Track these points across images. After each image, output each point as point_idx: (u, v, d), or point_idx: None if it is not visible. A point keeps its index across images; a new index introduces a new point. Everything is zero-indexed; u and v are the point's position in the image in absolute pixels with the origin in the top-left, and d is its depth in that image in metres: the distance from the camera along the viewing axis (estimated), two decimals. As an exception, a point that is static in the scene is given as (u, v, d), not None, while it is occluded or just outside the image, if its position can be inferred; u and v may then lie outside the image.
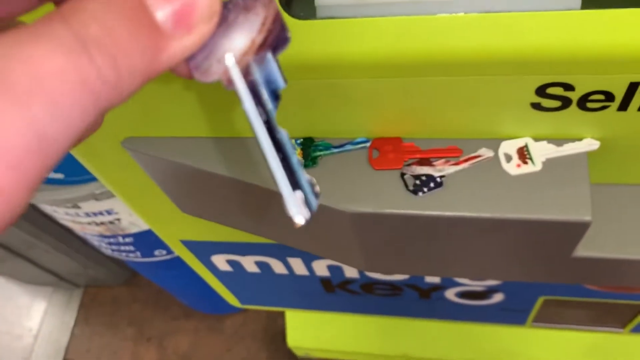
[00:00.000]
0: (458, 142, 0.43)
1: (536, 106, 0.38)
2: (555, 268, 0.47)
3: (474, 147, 0.42)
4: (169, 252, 1.14)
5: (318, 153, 0.44)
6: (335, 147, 0.44)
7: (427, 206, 0.40)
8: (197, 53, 0.16)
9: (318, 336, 1.14)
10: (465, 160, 0.42)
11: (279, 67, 0.18)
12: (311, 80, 0.39)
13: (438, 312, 0.84)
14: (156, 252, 1.11)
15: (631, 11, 0.32)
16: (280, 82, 0.19)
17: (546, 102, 0.38)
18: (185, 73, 0.18)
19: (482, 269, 0.49)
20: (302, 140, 0.45)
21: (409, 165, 0.42)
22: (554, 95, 0.37)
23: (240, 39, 0.17)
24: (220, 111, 0.43)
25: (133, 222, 1.02)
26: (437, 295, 0.76)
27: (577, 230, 0.40)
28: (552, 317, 0.81)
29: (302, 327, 1.15)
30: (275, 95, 0.19)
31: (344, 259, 0.51)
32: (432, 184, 0.41)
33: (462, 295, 0.75)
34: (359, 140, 0.44)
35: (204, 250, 0.71)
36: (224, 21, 0.17)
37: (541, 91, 0.37)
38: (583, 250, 0.44)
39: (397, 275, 0.70)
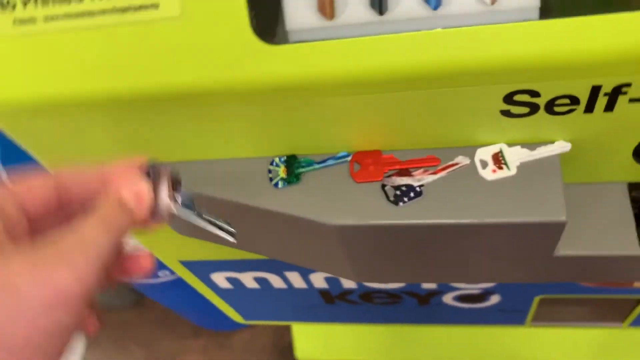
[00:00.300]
0: (436, 152, 0.44)
1: (506, 113, 0.40)
2: (540, 268, 0.48)
3: (451, 155, 0.44)
4: (173, 272, 1.15)
5: (301, 169, 0.45)
6: (318, 163, 0.46)
7: (407, 216, 0.42)
8: (151, 212, 0.32)
9: (326, 347, 1.15)
10: (443, 169, 0.43)
11: (185, 189, 0.35)
12: (289, 102, 0.40)
13: (439, 317, 0.85)
14: (160, 274, 1.13)
15: (586, 19, 0.34)
16: (190, 195, 0.36)
17: (515, 109, 0.39)
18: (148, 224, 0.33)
19: (469, 273, 0.50)
20: (285, 158, 0.46)
21: (389, 176, 0.44)
22: (522, 102, 0.38)
23: (165, 192, 0.33)
24: (201, 135, 0.45)
25: (135, 245, 1.03)
26: (435, 301, 0.77)
27: (554, 230, 0.41)
28: (550, 316, 0.82)
29: (310, 339, 1.16)
30: (193, 202, 0.36)
31: (335, 271, 0.52)
32: (412, 194, 0.42)
33: (460, 299, 0.75)
34: (340, 155, 0.46)
35: (203, 269, 0.72)
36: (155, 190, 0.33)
37: (509, 99, 0.38)
38: (564, 249, 0.45)
39: (394, 283, 0.71)
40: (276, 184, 0.45)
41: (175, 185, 0.34)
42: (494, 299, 0.74)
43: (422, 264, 0.49)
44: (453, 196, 0.42)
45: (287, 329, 1.56)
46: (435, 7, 0.35)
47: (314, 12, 0.36)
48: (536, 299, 0.75)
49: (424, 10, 0.35)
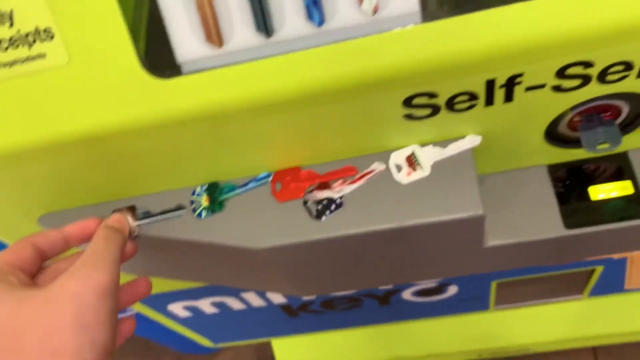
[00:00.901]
0: (353, 161, 0.44)
1: (409, 117, 0.40)
2: (476, 260, 0.49)
3: (368, 162, 0.44)
4: (141, 304, 1.13)
5: (224, 196, 0.45)
6: (240, 187, 0.45)
7: (330, 229, 0.42)
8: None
9: (308, 357, 1.14)
10: (361, 177, 0.43)
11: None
12: (197, 131, 0.40)
13: (404, 314, 0.86)
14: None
15: (466, 17, 0.34)
16: (144, 210, 0.46)
17: (417, 112, 0.39)
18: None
19: (408, 273, 0.51)
20: (207, 186, 0.46)
21: (310, 192, 0.44)
22: (422, 105, 0.39)
23: (130, 217, 0.44)
24: (114, 175, 0.44)
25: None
26: (395, 299, 0.77)
27: (474, 224, 0.41)
28: (512, 298, 0.83)
29: (291, 350, 1.15)
30: (149, 211, 0.47)
31: (279, 289, 0.52)
32: (333, 206, 0.43)
33: (419, 293, 0.76)
34: (261, 176, 0.46)
35: (158, 302, 0.72)
36: None
37: (408, 103, 0.38)
38: (493, 239, 0.46)
39: (350, 289, 0.71)
40: (199, 214, 0.45)
41: (132, 211, 0.45)
42: (452, 289, 0.75)
43: (359, 271, 0.49)
44: (372, 204, 0.42)
45: (269, 344, 1.56)
46: (320, 24, 0.35)
47: (202, 41, 0.36)
48: (493, 284, 0.76)
49: (309, 28, 0.35)
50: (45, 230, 0.41)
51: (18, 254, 0.38)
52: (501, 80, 0.37)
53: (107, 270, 0.36)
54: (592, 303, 0.88)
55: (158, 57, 0.37)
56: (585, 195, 0.47)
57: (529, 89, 0.38)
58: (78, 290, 0.34)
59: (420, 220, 0.41)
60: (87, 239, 0.41)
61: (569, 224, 0.45)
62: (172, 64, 0.37)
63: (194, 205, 0.45)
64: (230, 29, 0.36)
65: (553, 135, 0.45)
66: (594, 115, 0.44)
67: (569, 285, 0.80)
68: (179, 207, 0.46)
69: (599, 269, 0.74)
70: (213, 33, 0.36)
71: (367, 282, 0.53)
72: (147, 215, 0.46)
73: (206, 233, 0.44)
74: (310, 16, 0.35)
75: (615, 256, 0.70)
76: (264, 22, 0.35)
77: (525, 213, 0.47)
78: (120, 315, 0.39)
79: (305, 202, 0.44)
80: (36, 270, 0.39)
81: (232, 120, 0.39)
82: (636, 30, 0.34)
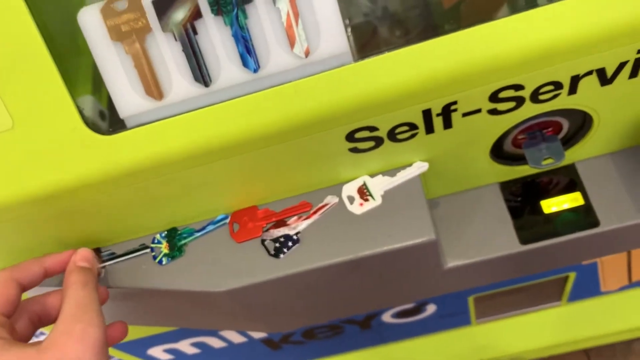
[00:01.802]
0: (307, 196, 0.45)
1: (355, 150, 0.41)
2: (438, 282, 0.49)
3: (322, 196, 0.45)
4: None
5: (183, 241, 0.46)
6: (198, 231, 0.46)
7: (288, 266, 0.42)
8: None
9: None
10: (315, 212, 0.44)
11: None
12: (148, 181, 0.40)
13: (388, 336, 0.86)
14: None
15: (396, 53, 0.35)
16: (109, 251, 0.47)
17: (361, 145, 0.40)
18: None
19: (374, 300, 0.51)
20: (166, 232, 0.46)
21: (267, 230, 0.44)
22: (365, 138, 0.40)
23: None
24: (86, 227, 0.45)
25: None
26: (376, 322, 0.78)
27: (428, 249, 0.42)
28: (493, 311, 0.84)
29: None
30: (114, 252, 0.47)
31: (247, 328, 0.53)
32: (290, 243, 0.43)
33: (398, 315, 0.76)
34: (218, 218, 0.46)
35: (137, 347, 0.71)
36: None
37: (351, 138, 0.39)
38: (453, 260, 0.47)
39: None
40: (160, 261, 0.45)
41: (97, 253, 0.46)
42: (430, 308, 0.76)
43: (325, 303, 0.49)
44: (328, 237, 0.43)
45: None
46: (255, 70, 0.36)
47: (143, 96, 0.37)
48: (470, 299, 0.76)
49: (245, 75, 0.36)
50: (25, 263, 0.40)
51: (4, 296, 0.38)
52: (437, 109, 0.38)
53: (100, 322, 0.37)
54: (572, 308, 0.89)
55: (102, 113, 0.38)
56: (538, 209, 0.48)
57: (465, 114, 0.39)
58: (80, 354, 0.35)
59: (376, 249, 0.41)
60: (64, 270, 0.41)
61: (524, 240, 0.46)
62: (116, 119, 0.38)
63: (154, 253, 0.46)
64: (169, 82, 0.37)
65: (499, 154, 0.46)
66: (537, 132, 0.45)
67: (545, 293, 0.81)
68: (143, 247, 0.46)
69: (572, 275, 0.75)
70: (152, 87, 0.37)
71: (335, 313, 0.53)
72: (112, 256, 0.46)
73: (168, 280, 0.45)
74: (245, 64, 0.36)
75: (585, 262, 0.71)
76: (200, 73, 0.36)
77: (481, 232, 0.47)
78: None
79: (263, 241, 0.44)
80: (15, 309, 0.38)
81: (181, 169, 0.39)
82: (558, 53, 0.35)
